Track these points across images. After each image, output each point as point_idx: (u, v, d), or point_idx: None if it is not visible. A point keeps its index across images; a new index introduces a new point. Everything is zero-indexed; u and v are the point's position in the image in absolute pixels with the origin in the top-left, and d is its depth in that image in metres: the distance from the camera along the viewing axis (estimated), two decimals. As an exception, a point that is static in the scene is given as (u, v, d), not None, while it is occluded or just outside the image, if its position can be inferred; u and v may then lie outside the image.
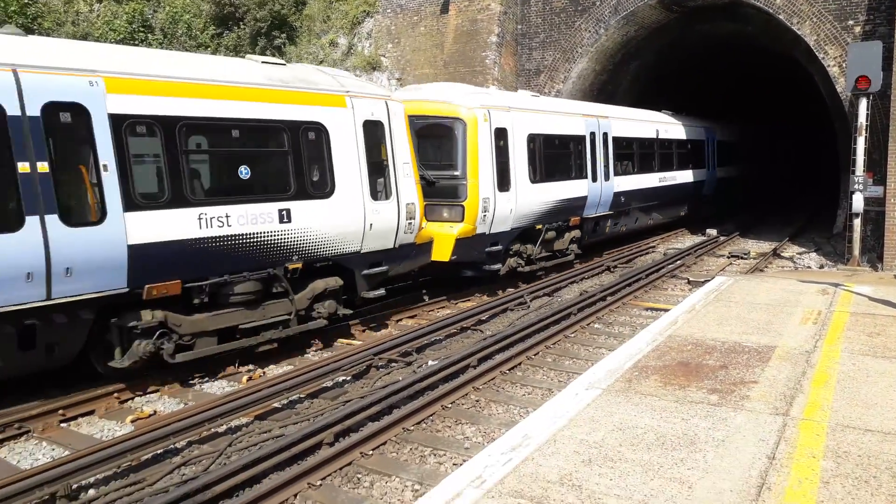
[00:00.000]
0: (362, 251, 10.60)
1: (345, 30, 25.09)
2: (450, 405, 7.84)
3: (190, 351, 8.60)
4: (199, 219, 8.35)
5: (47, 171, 7.03)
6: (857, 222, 15.76)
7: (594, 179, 17.06)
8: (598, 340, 10.57)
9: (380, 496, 5.86)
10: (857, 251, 15.79)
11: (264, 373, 9.30)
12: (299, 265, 9.59)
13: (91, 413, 7.84)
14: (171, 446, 6.70)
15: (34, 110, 7.02)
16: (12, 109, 6.86)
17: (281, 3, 25.85)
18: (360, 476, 6.23)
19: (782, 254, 19.05)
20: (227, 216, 8.61)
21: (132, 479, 6.11)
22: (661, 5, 20.64)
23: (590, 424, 5.57)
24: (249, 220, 8.86)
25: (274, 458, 6.22)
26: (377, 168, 10.76)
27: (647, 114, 21.35)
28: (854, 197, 15.62)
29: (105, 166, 7.51)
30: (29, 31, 23.49)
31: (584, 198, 16.64)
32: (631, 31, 21.77)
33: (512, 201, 13.85)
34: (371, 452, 6.64)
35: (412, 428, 7.22)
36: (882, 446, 4.94)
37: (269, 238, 9.12)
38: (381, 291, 11.16)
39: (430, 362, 9.30)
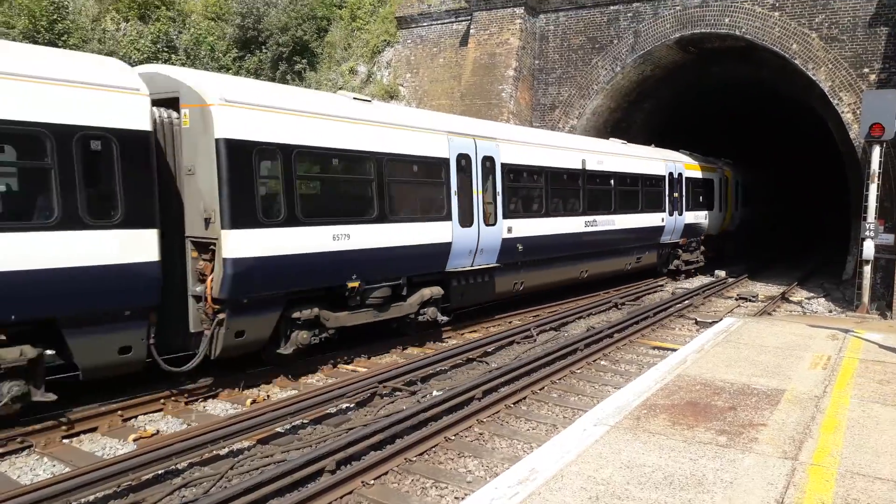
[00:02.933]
0: (709, 233, 24.51)
1: (365, 58, 25.47)
2: (453, 437, 7.77)
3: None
4: (694, 216, 22.62)
5: None
6: (868, 269, 15.67)
7: (735, 208, 27.74)
8: (604, 377, 10.49)
9: (380, 526, 5.78)
10: (866, 298, 15.67)
11: (268, 396, 9.27)
12: (702, 238, 23.81)
13: (94, 430, 7.82)
14: (173, 467, 6.66)
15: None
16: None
17: (303, 29, 26.32)
18: (360, 505, 6.16)
19: (791, 298, 18.94)
20: (697, 215, 22.79)
21: (132, 499, 6.07)
22: (677, 46, 20.88)
23: (597, 461, 5.51)
24: (699, 218, 23.08)
25: (275, 484, 6.17)
26: (723, 197, 25.52)
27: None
28: (865, 244, 15.55)
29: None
30: (53, 46, 23.97)
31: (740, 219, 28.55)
32: (647, 70, 22.00)
33: (738, 216, 27.70)
34: (372, 482, 6.58)
35: (414, 459, 7.15)
36: (892, 495, 4.86)
37: (700, 224, 23.27)
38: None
39: (434, 392, 9.25)
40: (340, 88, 24.75)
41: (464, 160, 12.61)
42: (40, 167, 7.23)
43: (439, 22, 24.19)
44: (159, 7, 28.40)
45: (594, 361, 11.32)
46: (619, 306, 16.72)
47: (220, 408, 8.78)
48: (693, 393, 7.28)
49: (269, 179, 9.24)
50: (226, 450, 7.22)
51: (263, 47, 26.65)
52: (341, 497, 6.25)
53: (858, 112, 16.89)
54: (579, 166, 16.13)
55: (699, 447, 5.79)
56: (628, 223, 18.50)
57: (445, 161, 12.15)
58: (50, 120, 7.19)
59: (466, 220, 12.58)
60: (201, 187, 8.67)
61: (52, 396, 7.50)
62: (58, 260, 7.21)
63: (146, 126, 8.04)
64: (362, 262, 10.36)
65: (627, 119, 24.43)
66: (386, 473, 6.80)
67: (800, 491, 4.94)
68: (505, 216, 13.65)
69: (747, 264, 26.23)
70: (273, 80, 26.14)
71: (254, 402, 8.93)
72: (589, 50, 21.78)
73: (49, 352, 7.58)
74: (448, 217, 12.18)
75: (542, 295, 16.35)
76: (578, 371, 10.73)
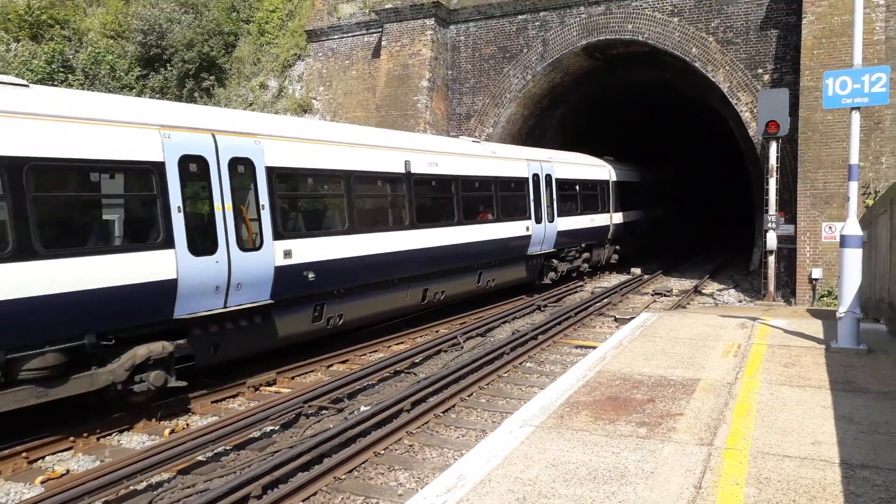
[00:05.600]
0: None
1: (275, 72, 25.07)
2: (383, 451, 7.69)
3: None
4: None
5: None
6: (772, 259, 16.54)
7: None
8: (530, 379, 10.62)
9: (309, 549, 5.64)
10: (772, 287, 16.52)
11: (187, 425, 8.92)
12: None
13: (-4, 474, 7.32)
14: (85, 507, 6.30)
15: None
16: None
17: (210, 45, 25.65)
18: (288, 528, 6.00)
19: (703, 290, 19.75)
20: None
21: (40, 544, 5.70)
22: (584, 53, 21.52)
23: (524, 462, 5.55)
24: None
25: (197, 514, 5.93)
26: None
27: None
28: (768, 235, 16.41)
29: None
30: (-61, 71, 22.47)
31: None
32: (557, 77, 22.56)
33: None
34: None
35: (344, 477, 7.03)
36: (799, 471, 5.10)
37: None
38: None
39: (362, 408, 9.13)
40: (251, 104, 24.26)
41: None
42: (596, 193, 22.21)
43: (350, 34, 24.12)
44: (53, 26, 27.10)
45: (520, 364, 11.46)
46: (542, 308, 17.00)
47: (136, 440, 8.38)
48: (613, 388, 7.46)
49: (621, 196, 24.03)
50: (144, 484, 6.90)
51: (168, 65, 25.81)
52: (268, 522, 6.07)
53: (755, 111, 17.85)
54: None
55: (620, 440, 5.92)
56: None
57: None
58: (596, 177, 22.12)
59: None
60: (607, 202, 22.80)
61: None
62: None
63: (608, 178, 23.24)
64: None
65: (541, 126, 24.99)
66: (315, 494, 6.65)
67: (716, 475, 5.12)
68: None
69: (661, 261, 27.21)
70: (180, 97, 25.37)
71: (172, 431, 8.57)
72: (500, 59, 22.17)
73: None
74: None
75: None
76: (505, 375, 10.83)
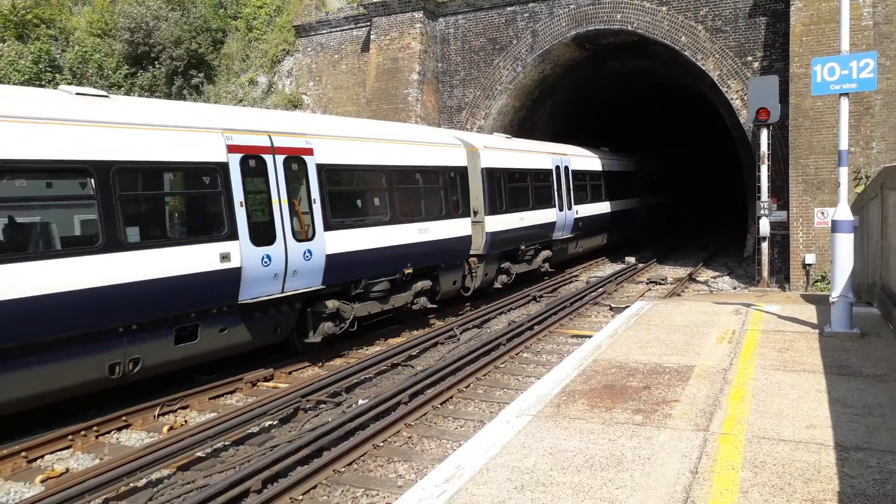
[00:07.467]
0: None
1: (265, 68, 24.98)
2: (381, 444, 7.73)
3: None
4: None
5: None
6: (765, 246, 16.62)
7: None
8: (527, 369, 10.67)
9: (310, 541, 5.67)
10: (765, 273, 16.61)
11: (186, 421, 8.93)
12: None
13: (-5, 475, 7.33)
14: (86, 505, 6.32)
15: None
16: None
17: (198, 41, 25.52)
18: (289, 522, 6.03)
19: (697, 278, 19.83)
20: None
21: (42, 543, 5.72)
22: (574, 43, 21.52)
23: (521, 451, 5.59)
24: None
25: (198, 510, 5.96)
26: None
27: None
28: (761, 222, 16.48)
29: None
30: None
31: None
32: (547, 68, 22.55)
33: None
34: (301, 497, 6.45)
35: (343, 469, 7.06)
36: (794, 454, 5.16)
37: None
38: None
39: (360, 401, 9.16)
40: (241, 101, 24.17)
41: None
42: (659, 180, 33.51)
43: (339, 29, 24.04)
44: (38, 26, 26.91)
45: (517, 355, 11.51)
46: (538, 299, 17.06)
47: (134, 438, 8.40)
48: (609, 376, 7.51)
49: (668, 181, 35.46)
50: (144, 481, 6.91)
51: (156, 62, 25.66)
52: (269, 516, 6.10)
53: (746, 98, 17.89)
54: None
55: (617, 427, 5.97)
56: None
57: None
58: (661, 170, 33.49)
59: None
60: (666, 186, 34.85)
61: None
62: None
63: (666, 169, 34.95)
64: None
65: (532, 117, 24.99)
66: (315, 487, 6.69)
67: (712, 459, 5.17)
68: None
69: (654, 249, 27.30)
70: (169, 95, 25.26)
71: (171, 428, 8.59)
72: (490, 51, 22.14)
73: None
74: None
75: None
76: (502, 365, 10.87)
